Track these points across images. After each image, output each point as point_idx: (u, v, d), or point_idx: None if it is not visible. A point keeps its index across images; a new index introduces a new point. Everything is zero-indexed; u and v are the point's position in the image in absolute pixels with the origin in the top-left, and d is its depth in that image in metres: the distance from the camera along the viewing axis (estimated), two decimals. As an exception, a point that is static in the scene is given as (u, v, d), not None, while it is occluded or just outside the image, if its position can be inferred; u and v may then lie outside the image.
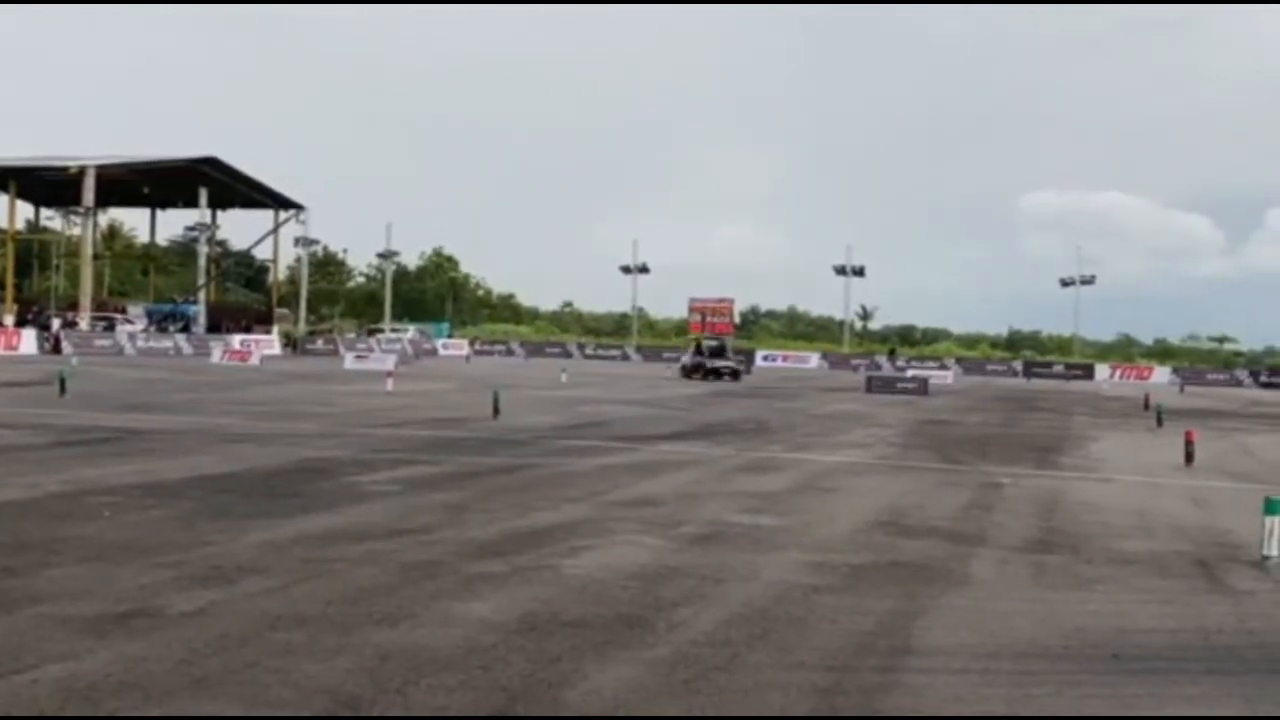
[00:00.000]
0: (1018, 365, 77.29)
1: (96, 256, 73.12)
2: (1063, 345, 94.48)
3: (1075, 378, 70.77)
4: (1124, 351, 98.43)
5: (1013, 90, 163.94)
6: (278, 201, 74.71)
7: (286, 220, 76.40)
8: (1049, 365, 77.30)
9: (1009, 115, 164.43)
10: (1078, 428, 28.27)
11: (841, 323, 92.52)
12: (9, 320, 59.32)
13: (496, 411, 23.28)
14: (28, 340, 52.90)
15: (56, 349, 51.89)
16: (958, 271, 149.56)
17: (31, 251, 79.53)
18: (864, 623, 7.45)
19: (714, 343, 54.28)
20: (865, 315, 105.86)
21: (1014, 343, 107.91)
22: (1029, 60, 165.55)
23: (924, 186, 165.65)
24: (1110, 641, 7.27)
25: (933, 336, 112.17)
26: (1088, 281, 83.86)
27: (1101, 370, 74.26)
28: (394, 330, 79.94)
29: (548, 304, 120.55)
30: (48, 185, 70.08)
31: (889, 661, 6.63)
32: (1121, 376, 71.95)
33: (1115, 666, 6.75)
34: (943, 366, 67.68)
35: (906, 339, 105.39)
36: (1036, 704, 5.98)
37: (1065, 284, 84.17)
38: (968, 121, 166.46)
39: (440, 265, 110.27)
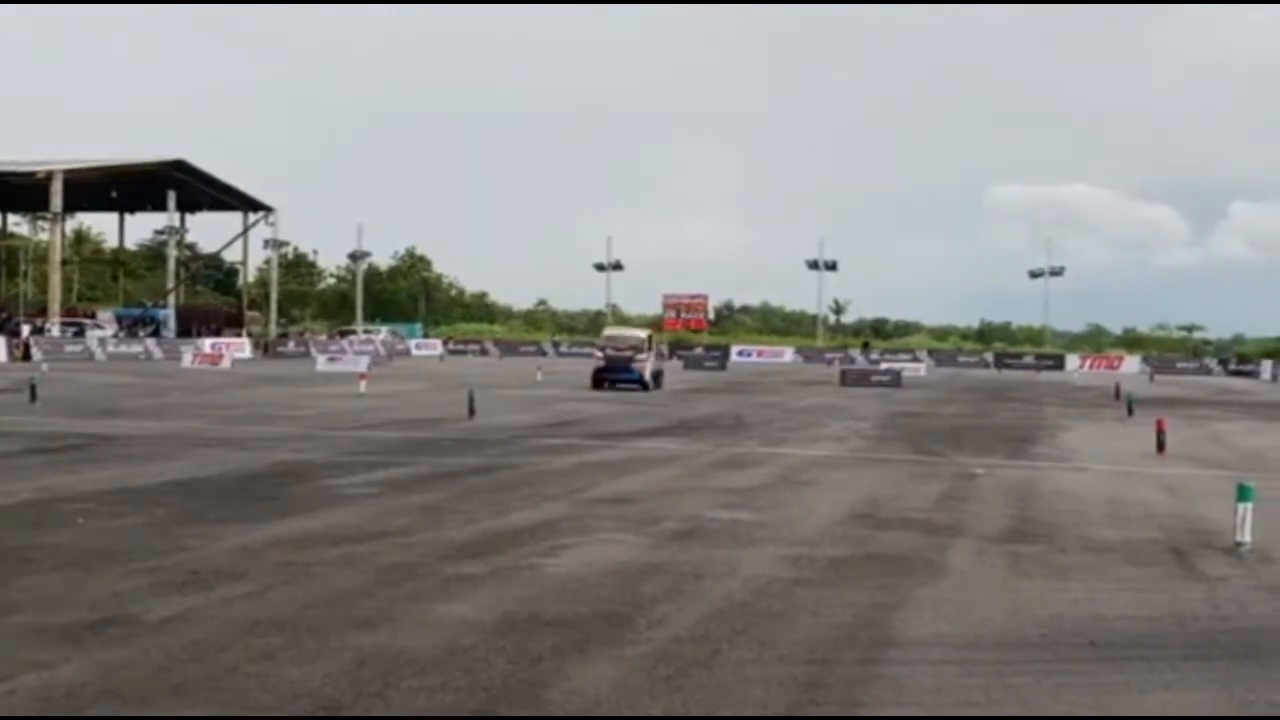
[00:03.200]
0: (989, 357, 77.71)
1: (65, 262, 72.45)
2: (1033, 336, 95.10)
3: (1046, 368, 71.34)
4: (1094, 341, 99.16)
5: (979, 84, 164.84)
6: (247, 204, 74.17)
7: (256, 222, 75.87)
8: (1020, 356, 77.81)
9: (976, 109, 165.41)
10: (1050, 418, 28.46)
11: (815, 317, 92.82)
12: (-23, 327, 58.74)
13: (472, 411, 23.22)
14: (-4, 347, 52.31)
15: (26, 356, 51.28)
16: (929, 265, 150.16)
17: (-1, 257, 78.82)
18: (844, 615, 7.48)
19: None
20: (838, 309, 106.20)
21: (985, 334, 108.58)
22: (995, 54, 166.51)
23: (894, 181, 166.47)
24: (1087, 629, 7.33)
25: (905, 329, 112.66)
26: (1057, 273, 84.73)
27: (1072, 360, 74.87)
28: (366, 331, 79.63)
29: (521, 302, 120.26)
30: (14, 190, 69.33)
31: (869, 654, 6.67)
32: (1092, 366, 72.55)
33: (1092, 654, 6.80)
34: (915, 359, 67.88)
35: (879, 332, 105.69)
36: (1015, 693, 6.02)
37: (1034, 275, 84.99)
38: (935, 115, 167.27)
39: (412, 265, 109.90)
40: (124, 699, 5.49)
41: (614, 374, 35.10)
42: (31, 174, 62.06)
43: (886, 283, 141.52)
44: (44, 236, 76.05)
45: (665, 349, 56.79)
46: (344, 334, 78.55)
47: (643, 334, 39.24)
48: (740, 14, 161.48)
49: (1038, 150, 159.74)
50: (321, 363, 50.19)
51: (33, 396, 24.80)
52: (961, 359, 77.28)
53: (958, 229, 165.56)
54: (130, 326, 68.35)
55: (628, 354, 35.89)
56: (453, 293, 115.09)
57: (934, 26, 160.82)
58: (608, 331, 43.53)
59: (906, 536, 10.55)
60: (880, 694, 5.96)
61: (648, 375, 35.03)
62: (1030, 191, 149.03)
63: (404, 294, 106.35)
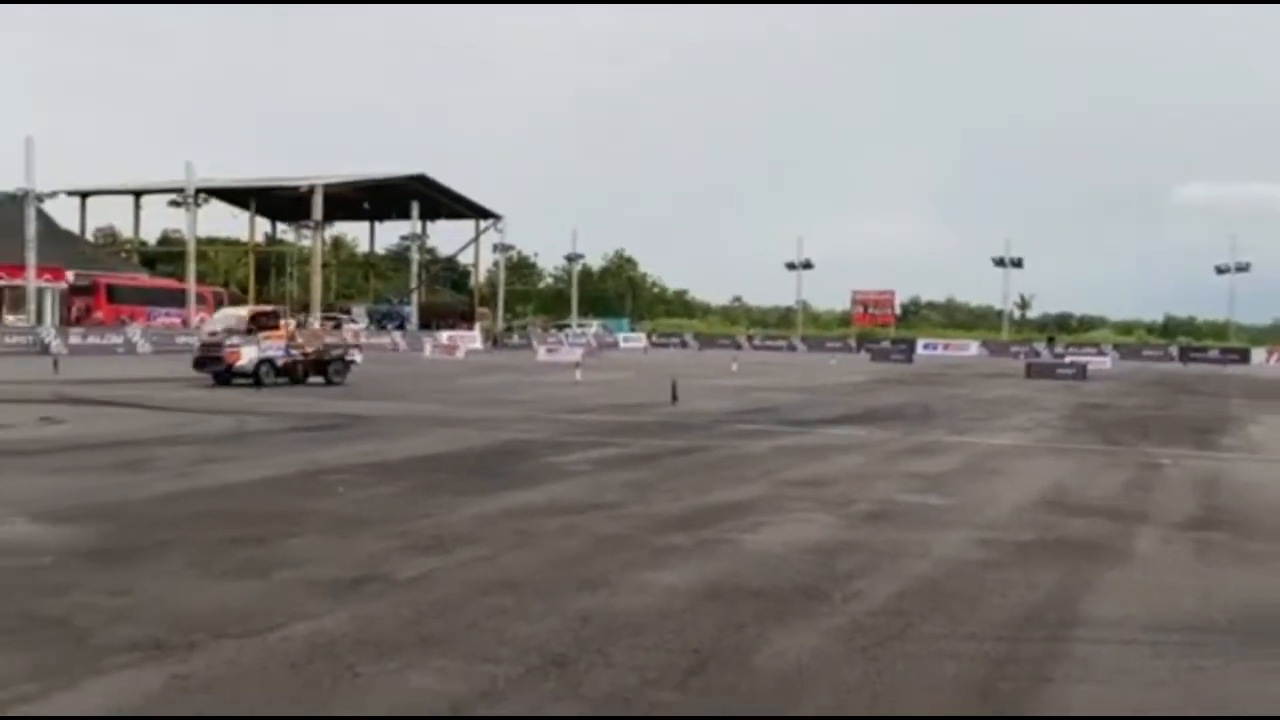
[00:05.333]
0: (1174, 350, 73.43)
1: (325, 264, 76.42)
2: (1217, 331, 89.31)
3: (1232, 362, 66.84)
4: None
5: (1167, 80, 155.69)
6: (478, 212, 76.77)
7: (486, 229, 78.41)
8: (1205, 350, 73.15)
9: (1163, 104, 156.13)
10: (1236, 410, 26.67)
11: (1000, 312, 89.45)
12: (251, 322, 62.55)
13: (674, 398, 23.37)
14: (267, 339, 55.50)
15: (292, 346, 54.22)
16: (1114, 261, 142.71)
17: (270, 261, 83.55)
18: (1032, 596, 7.21)
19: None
20: (1023, 304, 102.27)
21: (1169, 329, 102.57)
22: (1181, 50, 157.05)
23: (1080, 178, 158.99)
24: (1278, 616, 6.86)
25: (1089, 324, 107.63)
26: (1243, 269, 79.21)
27: (1258, 354, 69.95)
28: (580, 325, 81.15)
29: (718, 299, 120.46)
30: (282, 202, 73.55)
31: (1057, 633, 6.40)
32: (1279, 360, 67.63)
33: (1286, 642, 6.37)
34: (1100, 352, 64.75)
35: (1064, 327, 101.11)
36: (1205, 676, 5.69)
37: (1220, 271, 79.71)
38: (1122, 111, 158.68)
39: (620, 266, 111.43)
40: (379, 647, 5.76)
41: (206, 364, 26.47)
42: (295, 188, 65.70)
43: (1071, 279, 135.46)
44: (306, 243, 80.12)
45: (338, 325, 44.24)
46: (560, 328, 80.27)
47: (243, 312, 29.97)
48: (927, 14, 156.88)
49: (1225, 146, 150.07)
50: (541, 354, 51.40)
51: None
52: (1146, 353, 73.14)
53: (1143, 225, 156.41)
54: (379, 321, 71.53)
55: (219, 338, 28.57)
56: (656, 290, 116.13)
57: (1119, 23, 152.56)
58: (216, 314, 34.18)
59: (1093, 523, 10.08)
60: (1068, 671, 5.72)
61: (243, 362, 25.58)
62: (1216, 188, 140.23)
63: (613, 292, 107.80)
